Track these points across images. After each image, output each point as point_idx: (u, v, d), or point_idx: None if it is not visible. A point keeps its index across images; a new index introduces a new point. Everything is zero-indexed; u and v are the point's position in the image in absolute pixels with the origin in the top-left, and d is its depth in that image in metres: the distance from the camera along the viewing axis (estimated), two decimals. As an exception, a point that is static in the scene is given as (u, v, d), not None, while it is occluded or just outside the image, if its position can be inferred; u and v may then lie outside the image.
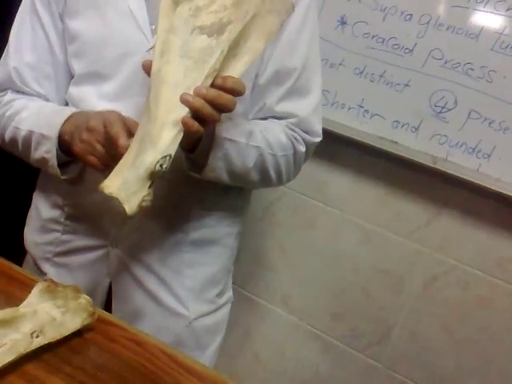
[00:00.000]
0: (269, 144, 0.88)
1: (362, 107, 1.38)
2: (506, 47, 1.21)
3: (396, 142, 1.35)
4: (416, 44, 1.29)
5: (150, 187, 0.70)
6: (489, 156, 1.27)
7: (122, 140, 0.71)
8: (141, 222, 0.92)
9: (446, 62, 1.27)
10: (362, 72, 1.36)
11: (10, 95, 0.95)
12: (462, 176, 1.30)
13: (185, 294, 1.00)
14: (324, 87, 1.36)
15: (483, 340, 1.42)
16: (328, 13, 1.37)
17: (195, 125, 0.69)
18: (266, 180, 0.93)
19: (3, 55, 0.99)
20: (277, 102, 0.91)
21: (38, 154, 0.87)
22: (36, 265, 1.02)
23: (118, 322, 0.78)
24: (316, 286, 1.60)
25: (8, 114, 0.92)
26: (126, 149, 0.70)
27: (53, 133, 0.84)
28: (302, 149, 0.94)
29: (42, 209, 1.01)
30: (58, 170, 0.86)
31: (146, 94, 0.73)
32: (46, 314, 0.68)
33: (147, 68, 0.72)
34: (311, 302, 1.62)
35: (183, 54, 0.71)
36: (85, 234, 0.96)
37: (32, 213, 1.04)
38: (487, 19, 1.23)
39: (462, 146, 1.29)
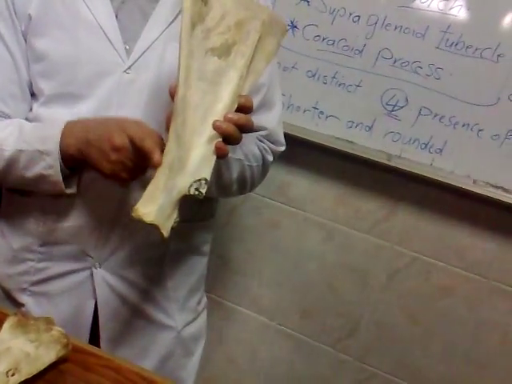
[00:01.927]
0: (246, 156, 0.92)
1: (317, 109, 1.40)
2: (451, 45, 1.25)
3: (352, 142, 1.38)
4: (365, 45, 1.32)
5: (178, 209, 0.73)
6: (441, 150, 1.31)
7: (157, 156, 0.70)
8: (121, 241, 0.92)
9: (395, 62, 1.30)
10: (315, 74, 1.38)
11: None
12: (416, 171, 1.34)
13: (170, 306, 1.01)
14: (279, 91, 1.40)
15: (447, 327, 1.46)
16: (278, 17, 1.38)
17: (227, 149, 0.73)
18: (242, 189, 0.97)
19: None
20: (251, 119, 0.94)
21: (32, 171, 0.83)
22: (10, 297, 0.99)
23: (93, 351, 0.78)
24: (284, 286, 1.62)
25: None
26: (160, 164, 0.70)
27: (52, 147, 0.80)
28: (270, 158, 0.99)
29: (12, 238, 0.96)
30: (63, 185, 0.83)
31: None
32: (19, 351, 0.68)
33: (173, 91, 0.72)
34: (280, 301, 1.64)
35: (200, 77, 0.73)
36: (64, 259, 0.94)
37: None
38: (432, 18, 1.26)
39: (414, 142, 1.32)
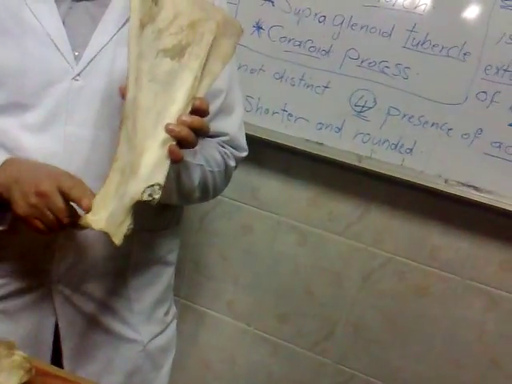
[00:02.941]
0: (207, 161, 0.90)
1: (286, 111, 1.38)
2: (417, 44, 1.24)
3: (321, 144, 1.36)
4: (332, 45, 1.30)
5: (132, 215, 0.70)
6: (411, 150, 1.30)
7: (85, 202, 0.69)
8: (80, 255, 0.89)
9: (362, 62, 1.29)
10: (283, 76, 1.36)
11: None
12: (387, 172, 1.32)
13: (135, 319, 0.98)
14: (247, 93, 1.39)
15: (423, 326, 1.46)
16: (243, 18, 1.36)
17: (181, 153, 0.70)
18: (204, 196, 0.95)
19: None
20: (208, 121, 0.91)
21: None
22: None
23: (57, 373, 0.76)
24: (259, 290, 1.61)
25: None
26: (90, 209, 0.68)
27: None
28: (232, 163, 0.98)
29: None
30: None
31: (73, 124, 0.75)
32: None
33: (124, 92, 0.70)
34: (256, 306, 1.62)
35: (151, 79, 0.71)
36: (20, 276, 0.91)
37: None
38: (398, 17, 1.24)
39: (384, 142, 1.31)
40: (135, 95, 0.69)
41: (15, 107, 0.84)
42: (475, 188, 1.27)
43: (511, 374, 1.40)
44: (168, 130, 0.69)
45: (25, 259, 0.90)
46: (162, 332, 1.05)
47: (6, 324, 0.93)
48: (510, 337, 1.39)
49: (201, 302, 1.68)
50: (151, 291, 1.01)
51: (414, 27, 1.23)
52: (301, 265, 1.54)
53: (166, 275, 1.05)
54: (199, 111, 0.72)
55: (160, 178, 0.69)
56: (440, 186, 1.30)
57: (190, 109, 0.71)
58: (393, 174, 1.32)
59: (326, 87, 1.33)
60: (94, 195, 0.70)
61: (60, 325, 0.93)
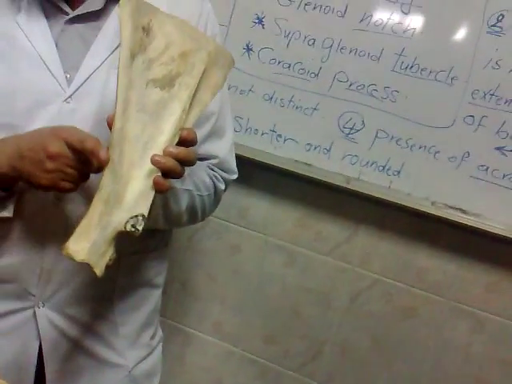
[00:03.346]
0: (196, 186, 0.90)
1: (275, 132, 1.38)
2: (406, 68, 1.25)
3: (310, 165, 1.37)
4: (321, 68, 1.31)
5: (114, 245, 0.69)
6: (398, 173, 1.31)
7: (103, 153, 0.68)
8: (66, 278, 0.87)
9: (350, 85, 1.30)
10: (272, 97, 1.37)
11: None
12: (374, 194, 1.33)
13: (120, 343, 0.96)
14: (236, 114, 1.39)
15: (411, 347, 1.46)
16: (233, 40, 1.37)
17: (167, 183, 0.70)
18: (192, 220, 0.94)
19: None
20: (198, 145, 0.90)
21: None
22: None
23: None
24: (246, 311, 1.59)
25: None
26: (108, 160, 0.68)
27: None
28: (222, 186, 0.97)
29: None
30: None
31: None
32: None
33: (111, 122, 0.69)
34: (243, 327, 1.61)
35: (140, 109, 0.70)
36: (4, 298, 0.89)
37: None
38: (387, 41, 1.26)
39: (372, 164, 1.32)
40: (122, 125, 0.69)
41: (5, 128, 0.83)
42: (462, 211, 1.28)
43: (497, 396, 1.41)
44: (154, 162, 0.69)
45: (10, 282, 0.88)
46: (147, 356, 1.03)
47: None
48: (495, 358, 1.39)
49: (187, 323, 1.66)
50: (137, 315, 0.99)
51: (402, 51, 1.25)
52: (288, 285, 1.54)
53: (153, 298, 1.03)
54: (186, 142, 0.72)
55: (144, 208, 0.69)
56: (427, 208, 1.30)
57: (177, 139, 0.71)
58: (380, 196, 1.33)
59: (314, 109, 1.34)
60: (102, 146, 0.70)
61: (44, 349, 0.91)
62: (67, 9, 0.84)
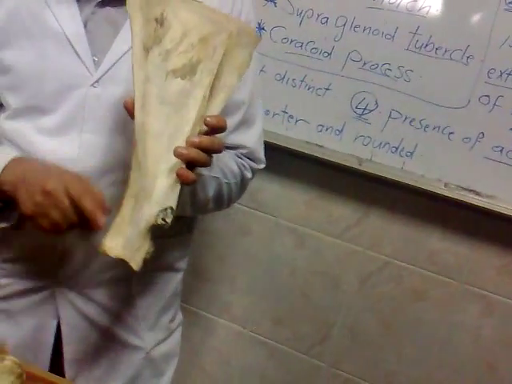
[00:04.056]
0: (224, 173, 0.89)
1: (287, 113, 1.37)
2: (421, 46, 1.23)
3: (322, 146, 1.35)
4: (334, 47, 1.30)
5: (151, 239, 0.70)
6: (412, 154, 1.29)
7: (101, 219, 0.68)
8: (86, 259, 0.87)
9: (364, 64, 1.28)
10: (284, 77, 1.35)
11: None
12: (387, 175, 1.32)
13: (139, 326, 0.96)
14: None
15: (420, 331, 1.45)
16: (245, 19, 1.35)
17: (191, 175, 0.69)
18: (218, 206, 0.94)
19: None
20: (227, 134, 0.89)
21: None
22: None
23: (50, 379, 0.74)
24: (256, 293, 1.59)
25: None
26: (101, 229, 0.68)
27: None
28: (249, 175, 0.96)
29: None
30: None
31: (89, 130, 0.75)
32: None
33: (130, 106, 0.69)
34: (252, 308, 1.61)
35: (162, 101, 0.69)
36: (25, 276, 0.90)
37: None
38: (401, 19, 1.24)
39: (385, 145, 1.30)
40: (143, 120, 0.68)
41: (32, 111, 0.83)
42: (475, 192, 1.27)
43: (507, 379, 1.40)
44: (176, 154, 0.68)
45: (31, 260, 0.88)
46: (165, 339, 1.03)
47: (7, 324, 0.92)
48: (506, 341, 1.39)
49: (197, 304, 1.66)
50: (157, 298, 0.99)
51: (417, 30, 1.23)
52: (298, 267, 1.53)
53: (174, 282, 1.03)
54: (214, 130, 0.70)
55: (172, 201, 0.69)
56: (440, 190, 1.29)
57: (198, 129, 0.70)
58: (393, 178, 1.32)
59: (327, 89, 1.32)
60: (105, 206, 0.69)
61: (62, 329, 0.91)
62: None
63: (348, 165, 1.34)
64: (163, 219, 0.68)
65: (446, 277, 1.40)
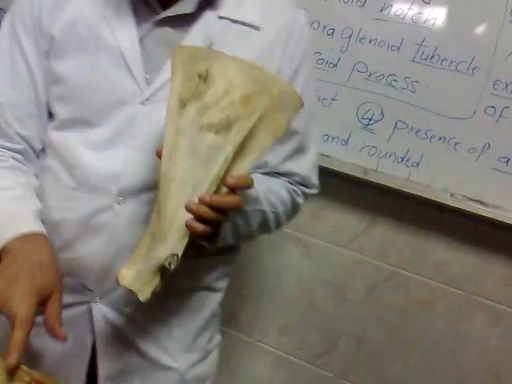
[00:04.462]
0: (272, 204, 0.88)
1: (293, 123, 1.38)
2: (426, 58, 1.24)
3: (328, 156, 1.36)
4: (340, 58, 1.30)
5: (162, 276, 0.72)
6: (418, 164, 1.30)
7: (12, 358, 0.63)
8: None
9: (370, 75, 1.29)
10: (290, 88, 1.36)
11: None
12: (393, 185, 1.32)
13: (174, 346, 0.94)
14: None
15: (427, 340, 1.45)
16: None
17: (200, 227, 0.70)
18: (264, 232, 0.93)
19: None
20: (280, 162, 0.91)
21: None
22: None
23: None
24: (262, 302, 1.59)
25: None
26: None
27: None
28: (300, 200, 0.96)
29: None
30: None
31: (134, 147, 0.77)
32: None
33: (160, 154, 0.70)
34: (259, 318, 1.61)
35: (191, 153, 0.70)
36: (64, 291, 0.87)
37: None
38: (407, 31, 1.25)
39: (391, 156, 1.31)
40: (169, 169, 0.70)
41: (80, 123, 0.84)
42: (482, 203, 1.27)
43: (514, 390, 1.40)
44: (186, 208, 0.69)
45: (69, 275, 0.87)
46: (201, 360, 0.99)
47: (45, 338, 0.89)
48: (512, 352, 1.39)
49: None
50: (194, 318, 0.95)
51: (423, 41, 1.23)
52: (304, 277, 1.53)
53: (213, 302, 0.99)
54: (237, 188, 0.71)
55: (179, 249, 0.71)
56: (446, 200, 1.29)
57: (214, 187, 0.70)
58: (399, 188, 1.32)
59: (333, 99, 1.33)
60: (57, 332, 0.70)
61: (97, 345, 0.90)
62: (158, 9, 0.82)
63: (354, 175, 1.35)
64: (169, 264, 0.71)
65: (453, 287, 1.40)
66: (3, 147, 0.88)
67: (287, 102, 0.71)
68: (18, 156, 0.89)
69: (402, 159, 1.30)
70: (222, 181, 0.70)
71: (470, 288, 1.39)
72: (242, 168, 0.71)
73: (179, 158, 0.70)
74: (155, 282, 0.72)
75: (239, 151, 0.71)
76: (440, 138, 1.27)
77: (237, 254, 1.03)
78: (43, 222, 0.87)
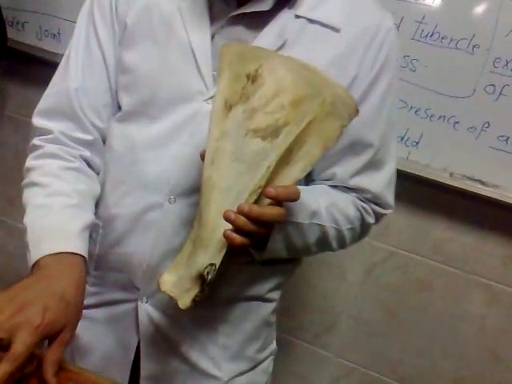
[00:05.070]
0: (334, 220, 0.82)
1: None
2: (426, 36, 1.23)
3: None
4: (339, 37, 1.29)
5: (204, 284, 0.68)
6: (417, 143, 1.29)
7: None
8: None
9: (369, 54, 1.28)
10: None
11: (49, 148, 0.84)
12: (392, 165, 1.32)
13: (219, 354, 0.90)
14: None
15: (425, 320, 1.46)
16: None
17: (237, 239, 0.65)
18: (326, 250, 0.87)
19: (56, 77, 0.87)
20: (350, 175, 0.85)
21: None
22: None
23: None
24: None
25: (29, 181, 0.83)
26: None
27: (31, 259, 0.74)
28: (371, 220, 0.88)
29: None
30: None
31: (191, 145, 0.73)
32: None
33: (204, 157, 0.68)
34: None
35: (235, 159, 0.66)
36: (113, 287, 0.88)
37: None
38: (407, 9, 1.24)
39: (390, 135, 1.30)
40: (211, 175, 0.66)
41: (142, 116, 0.82)
42: (481, 182, 1.27)
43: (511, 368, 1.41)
44: (224, 217, 0.64)
45: (119, 271, 0.87)
46: (249, 370, 0.94)
47: (93, 333, 0.90)
48: (510, 331, 1.39)
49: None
50: (242, 327, 0.91)
51: (422, 19, 1.23)
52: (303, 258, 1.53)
53: (263, 312, 0.93)
54: (277, 200, 0.66)
55: (218, 259, 0.67)
56: (445, 179, 1.29)
57: (255, 196, 0.66)
58: (398, 167, 1.30)
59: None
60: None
61: (141, 345, 0.88)
62: (233, 4, 0.79)
63: (353, 154, 1.34)
64: (208, 273, 0.67)
65: (451, 267, 1.41)
66: (74, 139, 0.86)
67: (341, 107, 0.65)
68: (87, 153, 0.87)
69: (402, 139, 1.30)
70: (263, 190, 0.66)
71: (469, 268, 1.40)
72: (288, 178, 0.67)
73: (222, 163, 0.66)
74: (195, 289, 0.68)
75: (285, 159, 0.66)
76: (440, 117, 1.26)
77: (296, 266, 0.97)
78: (100, 216, 0.87)
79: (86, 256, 0.76)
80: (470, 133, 1.25)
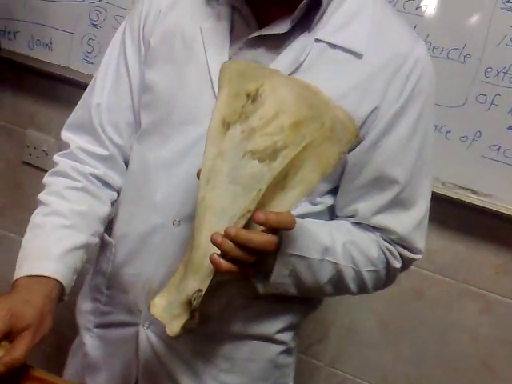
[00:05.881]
0: (352, 259, 0.78)
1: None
2: (418, 45, 1.23)
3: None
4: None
5: (194, 311, 0.66)
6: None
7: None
8: None
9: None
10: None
11: (63, 165, 0.86)
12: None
13: None
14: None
15: (418, 330, 1.45)
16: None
17: (224, 264, 0.63)
18: (344, 292, 0.83)
19: (86, 93, 0.90)
20: (373, 213, 0.80)
21: None
22: (80, 335, 0.95)
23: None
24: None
25: (38, 198, 0.85)
26: None
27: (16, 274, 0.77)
28: (398, 264, 0.83)
29: (91, 274, 0.94)
30: None
31: (197, 166, 0.69)
32: None
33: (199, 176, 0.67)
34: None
35: (232, 180, 0.64)
36: (121, 308, 0.88)
37: (86, 277, 0.97)
38: (398, 18, 1.24)
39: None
40: (205, 195, 0.65)
41: (156, 135, 0.83)
42: (472, 191, 1.27)
43: (504, 378, 1.40)
44: (212, 240, 0.62)
45: (125, 292, 0.86)
46: None
47: (103, 352, 0.90)
48: (503, 340, 1.39)
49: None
50: (246, 366, 0.86)
51: (414, 29, 1.22)
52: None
53: (271, 353, 0.88)
54: (266, 226, 0.63)
55: (204, 285, 0.65)
56: (437, 188, 1.29)
57: (243, 223, 0.63)
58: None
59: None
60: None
61: (140, 371, 0.87)
62: (254, 26, 0.78)
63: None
64: (195, 299, 0.65)
65: (444, 275, 1.40)
66: (90, 153, 0.87)
67: (340, 132, 0.62)
68: (100, 170, 0.87)
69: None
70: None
71: (461, 277, 1.39)
72: (283, 204, 0.64)
73: (218, 183, 0.64)
74: (185, 316, 0.66)
75: (280, 184, 0.64)
76: (431, 127, 1.26)
77: (311, 307, 0.92)
78: (114, 235, 0.87)
79: (63, 280, 0.77)
80: (461, 142, 1.25)
